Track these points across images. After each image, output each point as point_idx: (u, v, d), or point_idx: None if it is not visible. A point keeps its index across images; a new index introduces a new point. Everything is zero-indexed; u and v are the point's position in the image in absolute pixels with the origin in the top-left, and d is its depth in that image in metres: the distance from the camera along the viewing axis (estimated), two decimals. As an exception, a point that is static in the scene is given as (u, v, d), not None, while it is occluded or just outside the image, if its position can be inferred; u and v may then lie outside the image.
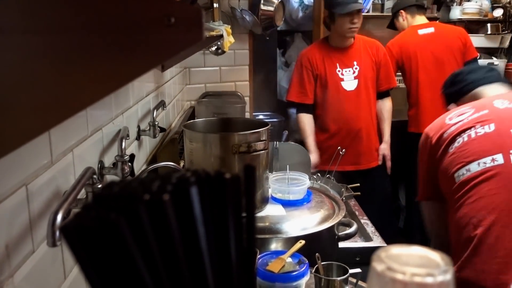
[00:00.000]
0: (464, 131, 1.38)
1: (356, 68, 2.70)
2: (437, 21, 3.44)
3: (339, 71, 2.70)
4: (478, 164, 1.31)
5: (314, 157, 2.71)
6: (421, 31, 3.01)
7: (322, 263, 1.18)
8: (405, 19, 3.09)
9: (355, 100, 2.70)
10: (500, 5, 3.65)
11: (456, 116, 1.45)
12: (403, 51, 2.98)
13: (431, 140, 1.47)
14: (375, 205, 2.84)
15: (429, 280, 0.39)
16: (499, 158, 1.29)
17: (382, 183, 2.88)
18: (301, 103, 2.78)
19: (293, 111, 4.63)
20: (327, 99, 2.72)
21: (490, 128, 1.35)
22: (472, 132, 1.36)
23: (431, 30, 3.01)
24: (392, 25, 3.23)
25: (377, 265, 0.40)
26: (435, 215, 1.55)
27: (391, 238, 1.79)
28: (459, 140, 1.38)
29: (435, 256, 0.42)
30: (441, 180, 1.44)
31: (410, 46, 2.97)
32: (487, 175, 1.29)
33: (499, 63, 3.56)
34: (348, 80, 2.71)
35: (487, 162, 1.30)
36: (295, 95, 2.78)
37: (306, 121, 2.77)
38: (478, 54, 3.20)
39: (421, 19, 3.08)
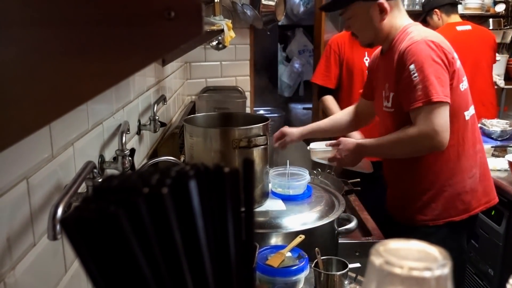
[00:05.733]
0: None
1: None
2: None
3: (366, 59, 2.67)
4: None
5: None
6: (459, 28, 3.00)
7: (322, 257, 1.19)
8: (440, 18, 3.06)
9: None
10: (502, 0, 3.63)
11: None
12: None
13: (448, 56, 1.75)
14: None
15: (427, 274, 0.39)
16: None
17: None
18: (323, 87, 2.76)
19: (294, 106, 4.65)
20: (353, 86, 2.70)
21: None
22: None
23: (468, 27, 3.01)
24: (423, 21, 3.18)
25: (375, 259, 0.40)
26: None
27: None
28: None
29: (433, 250, 0.42)
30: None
31: (448, 41, 2.94)
32: None
33: (501, 58, 3.54)
34: None
35: None
36: (320, 77, 2.77)
37: (331, 101, 2.72)
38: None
39: (456, 17, 3.07)
